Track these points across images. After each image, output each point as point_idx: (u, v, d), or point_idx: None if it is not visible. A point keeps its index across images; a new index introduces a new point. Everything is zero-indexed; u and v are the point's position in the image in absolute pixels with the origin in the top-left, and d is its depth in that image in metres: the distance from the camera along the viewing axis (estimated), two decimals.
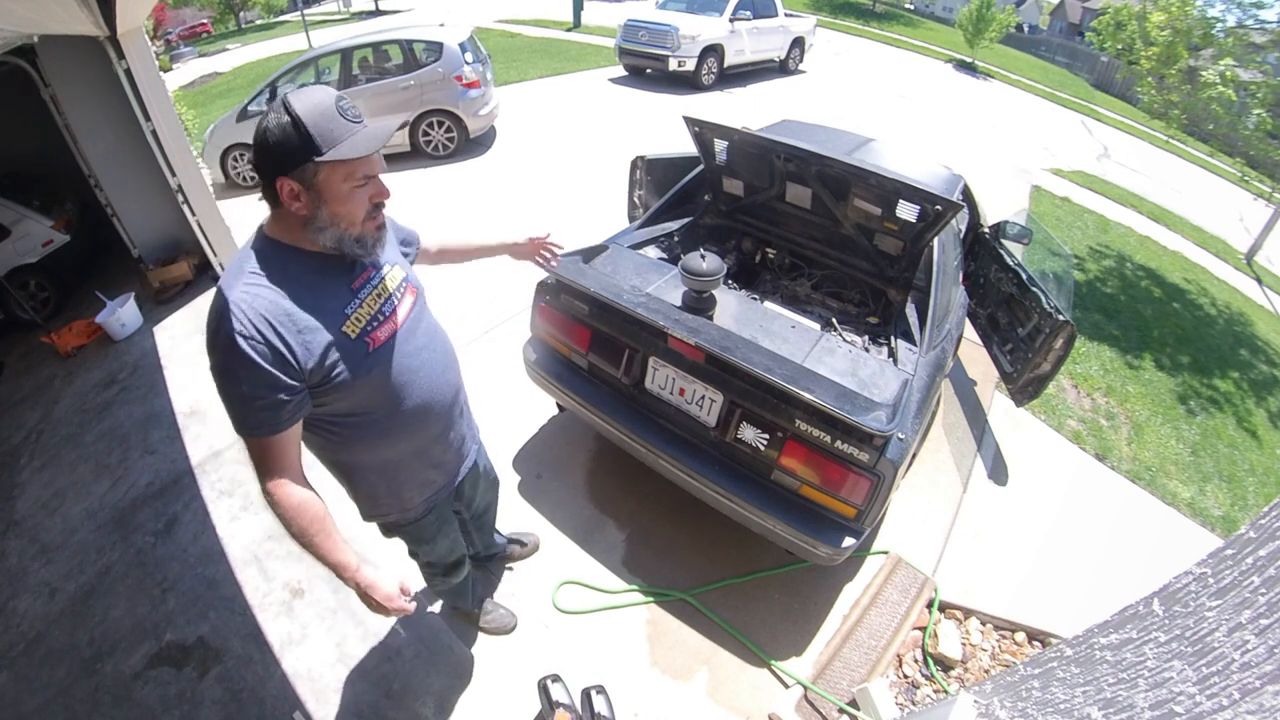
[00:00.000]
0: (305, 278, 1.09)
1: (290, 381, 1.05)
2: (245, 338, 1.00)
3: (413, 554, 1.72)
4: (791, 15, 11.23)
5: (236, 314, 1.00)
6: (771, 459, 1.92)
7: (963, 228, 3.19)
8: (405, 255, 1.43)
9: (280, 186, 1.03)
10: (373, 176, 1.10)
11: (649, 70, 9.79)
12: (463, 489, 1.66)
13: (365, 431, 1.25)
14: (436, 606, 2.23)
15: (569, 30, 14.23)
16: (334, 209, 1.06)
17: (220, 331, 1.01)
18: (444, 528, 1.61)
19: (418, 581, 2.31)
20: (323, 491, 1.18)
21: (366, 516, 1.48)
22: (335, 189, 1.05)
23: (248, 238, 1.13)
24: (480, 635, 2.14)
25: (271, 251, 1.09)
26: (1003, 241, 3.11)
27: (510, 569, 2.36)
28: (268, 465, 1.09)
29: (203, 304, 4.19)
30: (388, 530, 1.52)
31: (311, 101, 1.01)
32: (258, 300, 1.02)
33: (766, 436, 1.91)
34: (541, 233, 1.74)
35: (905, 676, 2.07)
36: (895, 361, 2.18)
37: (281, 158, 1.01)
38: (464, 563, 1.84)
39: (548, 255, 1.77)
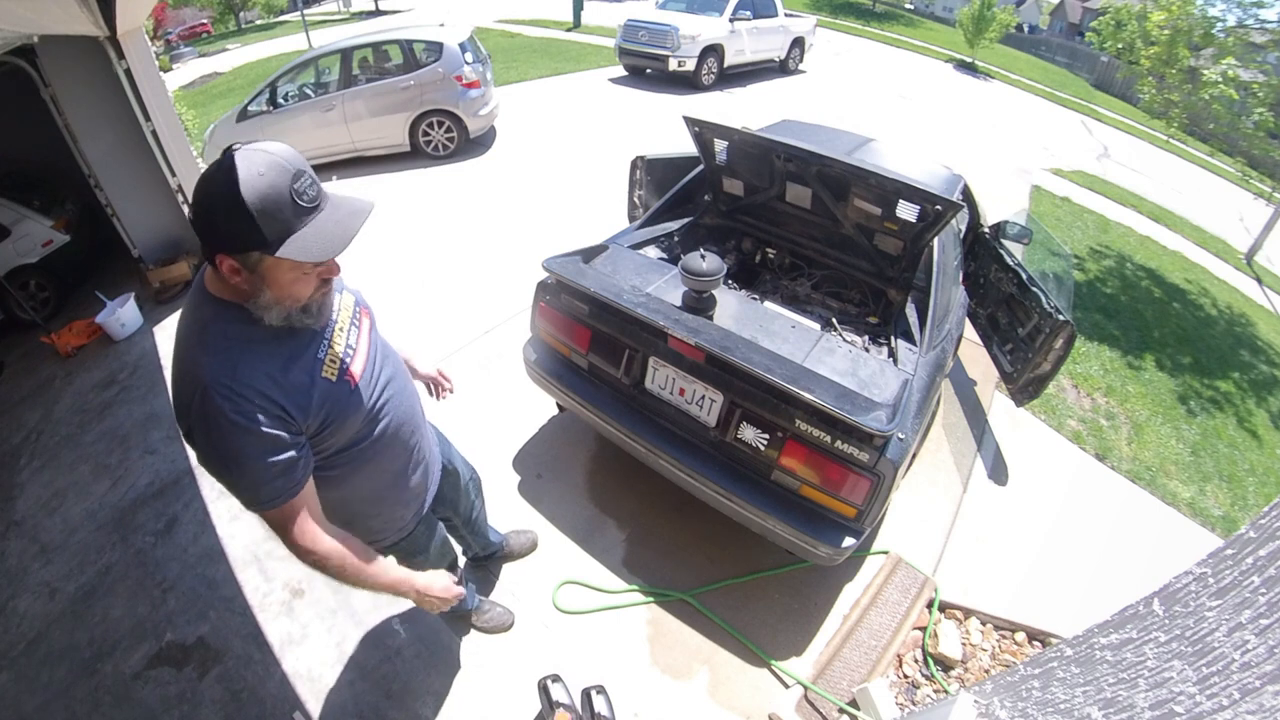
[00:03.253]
0: (268, 333, 1.02)
1: (297, 437, 1.03)
2: (241, 413, 0.95)
3: None
4: (791, 15, 11.22)
5: (222, 392, 0.94)
6: (771, 459, 1.92)
7: (963, 228, 3.19)
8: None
9: (220, 262, 0.93)
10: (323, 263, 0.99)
11: (649, 70, 9.78)
12: (443, 492, 1.67)
13: (356, 460, 1.23)
14: None
15: (569, 30, 14.22)
16: (278, 294, 0.98)
17: (211, 415, 0.95)
18: (432, 535, 1.62)
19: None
20: None
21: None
22: (280, 279, 0.96)
23: (190, 296, 1.05)
24: (481, 635, 2.14)
25: (226, 314, 1.00)
26: (1003, 241, 3.10)
27: (510, 568, 2.36)
28: (295, 526, 1.08)
29: None
30: (384, 553, 1.50)
31: (264, 187, 0.87)
32: (237, 370, 0.96)
33: (766, 436, 1.91)
34: (446, 375, 1.73)
35: (905, 676, 2.07)
36: (895, 361, 2.18)
37: (223, 239, 0.91)
38: (456, 567, 1.85)
39: (446, 387, 1.73)
